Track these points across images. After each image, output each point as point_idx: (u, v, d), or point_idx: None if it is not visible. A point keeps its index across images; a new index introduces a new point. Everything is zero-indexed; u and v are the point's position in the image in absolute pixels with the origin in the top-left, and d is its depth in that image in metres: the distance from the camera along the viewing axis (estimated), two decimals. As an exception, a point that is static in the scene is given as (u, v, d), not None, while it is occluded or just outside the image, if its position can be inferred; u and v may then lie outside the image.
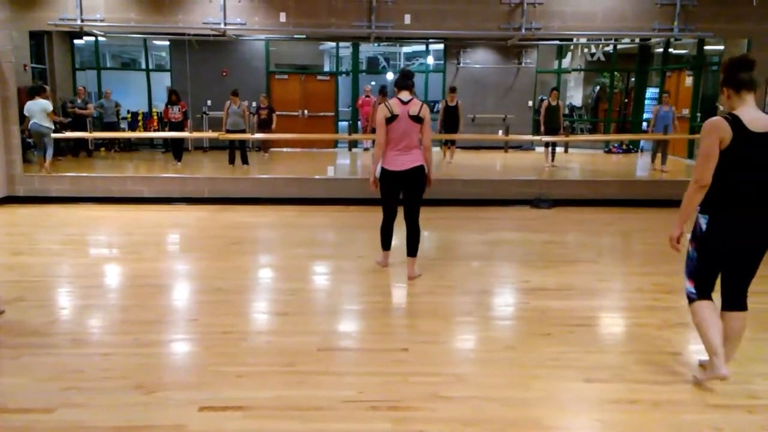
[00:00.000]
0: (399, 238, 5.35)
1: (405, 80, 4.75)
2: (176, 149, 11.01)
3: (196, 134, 10.06)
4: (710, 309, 3.02)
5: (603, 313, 4.25)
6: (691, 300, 3.09)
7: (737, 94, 2.90)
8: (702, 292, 3.04)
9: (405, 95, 4.69)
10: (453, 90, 11.15)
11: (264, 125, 11.39)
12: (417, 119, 4.64)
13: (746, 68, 2.89)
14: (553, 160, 11.00)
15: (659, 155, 10.50)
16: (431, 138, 4.84)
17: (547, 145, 10.90)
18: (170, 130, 11.01)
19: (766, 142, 2.84)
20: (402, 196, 4.83)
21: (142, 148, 13.51)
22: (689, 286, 3.08)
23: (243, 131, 10.43)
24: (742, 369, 3.22)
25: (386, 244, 5.06)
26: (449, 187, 8.28)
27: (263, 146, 12.76)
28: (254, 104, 12.09)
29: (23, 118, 8.34)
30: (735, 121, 2.83)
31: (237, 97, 10.55)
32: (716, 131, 2.84)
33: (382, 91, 10.64)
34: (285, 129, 13.18)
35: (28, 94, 8.65)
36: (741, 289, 3.05)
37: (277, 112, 12.25)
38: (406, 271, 4.91)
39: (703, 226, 2.98)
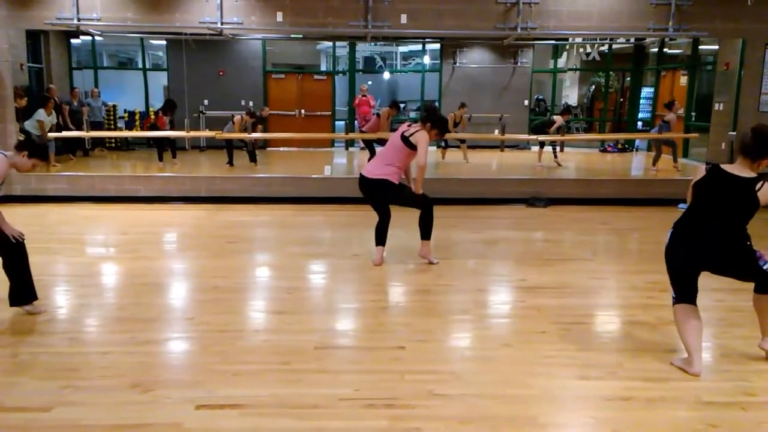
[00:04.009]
0: (395, 239, 5.37)
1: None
2: (159, 149, 10.87)
3: (193, 133, 10.04)
4: (686, 312, 3.19)
5: (598, 311, 4.27)
6: (673, 302, 3.28)
7: (744, 159, 3.09)
8: (680, 298, 3.22)
9: (416, 126, 4.99)
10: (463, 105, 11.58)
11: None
12: (405, 140, 4.89)
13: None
14: (556, 157, 11.00)
15: (669, 157, 10.43)
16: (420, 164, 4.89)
17: (550, 145, 10.96)
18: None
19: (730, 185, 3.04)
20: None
21: (138, 148, 13.47)
22: (672, 290, 3.28)
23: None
24: (736, 366, 3.26)
25: (379, 240, 5.13)
26: (445, 186, 8.29)
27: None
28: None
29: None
30: (714, 170, 3.12)
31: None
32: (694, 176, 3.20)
33: (394, 105, 10.38)
34: (282, 128, 13.19)
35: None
36: (750, 280, 3.18)
37: (272, 112, 12.23)
38: (401, 269, 5.00)
39: (667, 238, 3.24)
